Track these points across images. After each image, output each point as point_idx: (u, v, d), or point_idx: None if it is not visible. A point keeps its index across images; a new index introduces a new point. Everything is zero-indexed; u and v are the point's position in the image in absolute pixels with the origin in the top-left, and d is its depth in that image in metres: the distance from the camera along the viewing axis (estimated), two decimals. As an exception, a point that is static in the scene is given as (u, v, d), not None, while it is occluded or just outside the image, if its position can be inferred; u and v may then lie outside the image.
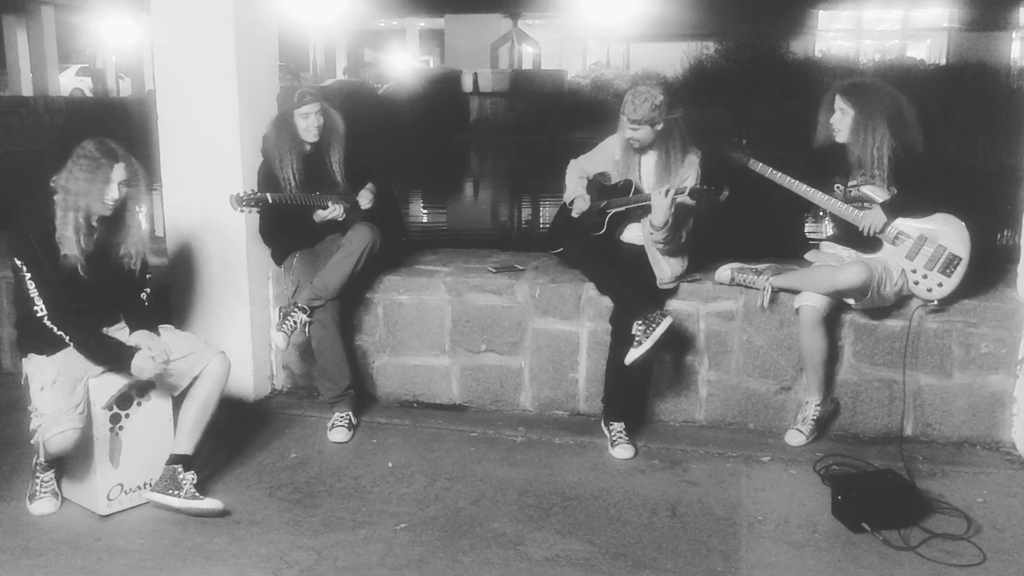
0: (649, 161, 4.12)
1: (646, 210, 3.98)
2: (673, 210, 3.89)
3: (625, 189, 4.12)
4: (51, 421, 3.21)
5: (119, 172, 3.28)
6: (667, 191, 3.87)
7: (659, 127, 4.00)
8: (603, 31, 32.85)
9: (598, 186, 4.22)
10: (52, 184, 3.30)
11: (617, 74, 29.79)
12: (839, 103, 3.92)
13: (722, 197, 3.85)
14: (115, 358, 3.36)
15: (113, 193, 3.27)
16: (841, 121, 3.92)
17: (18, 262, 3.27)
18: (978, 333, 3.95)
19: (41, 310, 3.27)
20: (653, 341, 3.81)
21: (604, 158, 4.23)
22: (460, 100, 27.58)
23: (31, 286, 3.26)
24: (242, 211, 3.97)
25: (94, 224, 3.33)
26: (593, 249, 4.16)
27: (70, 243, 3.27)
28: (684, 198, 3.88)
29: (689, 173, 4.04)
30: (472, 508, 3.47)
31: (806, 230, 4.23)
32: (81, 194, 3.25)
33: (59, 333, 3.29)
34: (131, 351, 3.35)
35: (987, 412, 3.98)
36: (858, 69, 24.86)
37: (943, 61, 29.30)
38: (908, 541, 3.18)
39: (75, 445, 3.25)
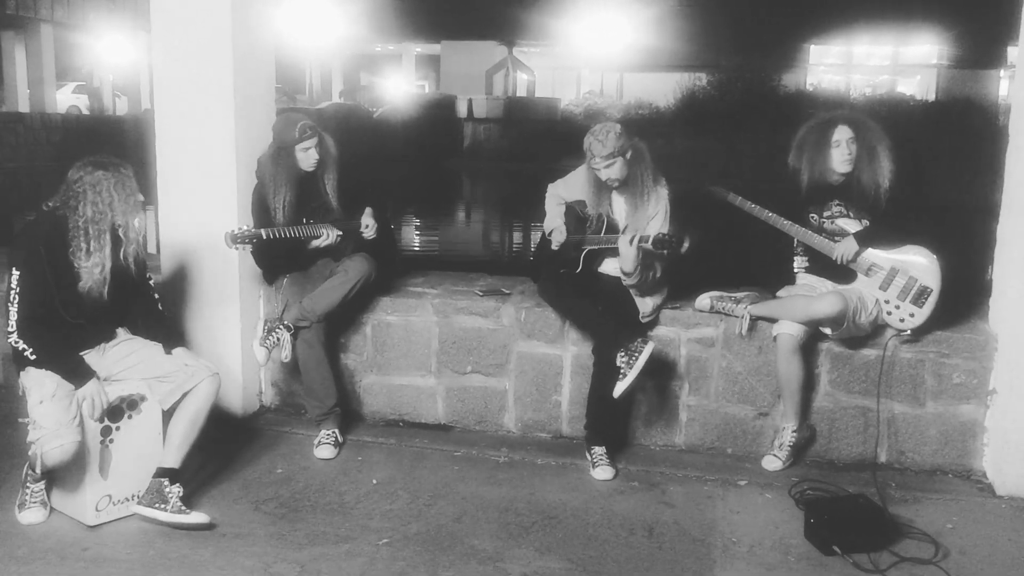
0: (620, 195, 4.19)
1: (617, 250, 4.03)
2: (641, 256, 3.96)
3: (599, 225, 4.17)
4: (50, 434, 3.26)
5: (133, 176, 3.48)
6: (631, 239, 3.94)
7: (629, 155, 4.08)
8: (597, 61, 33.20)
9: (575, 216, 4.26)
10: (55, 210, 3.38)
11: (610, 103, 30.05)
12: (844, 133, 3.95)
13: (683, 249, 3.91)
14: (73, 378, 3.39)
15: (140, 195, 3.48)
16: (848, 151, 3.94)
17: (15, 271, 3.34)
18: (950, 364, 4.05)
19: (12, 326, 3.33)
20: (638, 370, 3.89)
21: (580, 185, 4.26)
22: (454, 125, 27.76)
23: (14, 299, 3.32)
24: (236, 248, 4.01)
25: (121, 236, 3.45)
26: (568, 287, 4.19)
27: (101, 266, 3.37)
28: (648, 246, 3.94)
29: (659, 209, 4.11)
30: (454, 525, 3.55)
31: (794, 267, 4.30)
32: (118, 212, 3.39)
33: (23, 348, 3.34)
34: (88, 376, 3.40)
35: (959, 441, 4.08)
36: (849, 102, 25.26)
37: (932, 97, 29.79)
38: (877, 564, 3.26)
39: (73, 458, 3.30)
